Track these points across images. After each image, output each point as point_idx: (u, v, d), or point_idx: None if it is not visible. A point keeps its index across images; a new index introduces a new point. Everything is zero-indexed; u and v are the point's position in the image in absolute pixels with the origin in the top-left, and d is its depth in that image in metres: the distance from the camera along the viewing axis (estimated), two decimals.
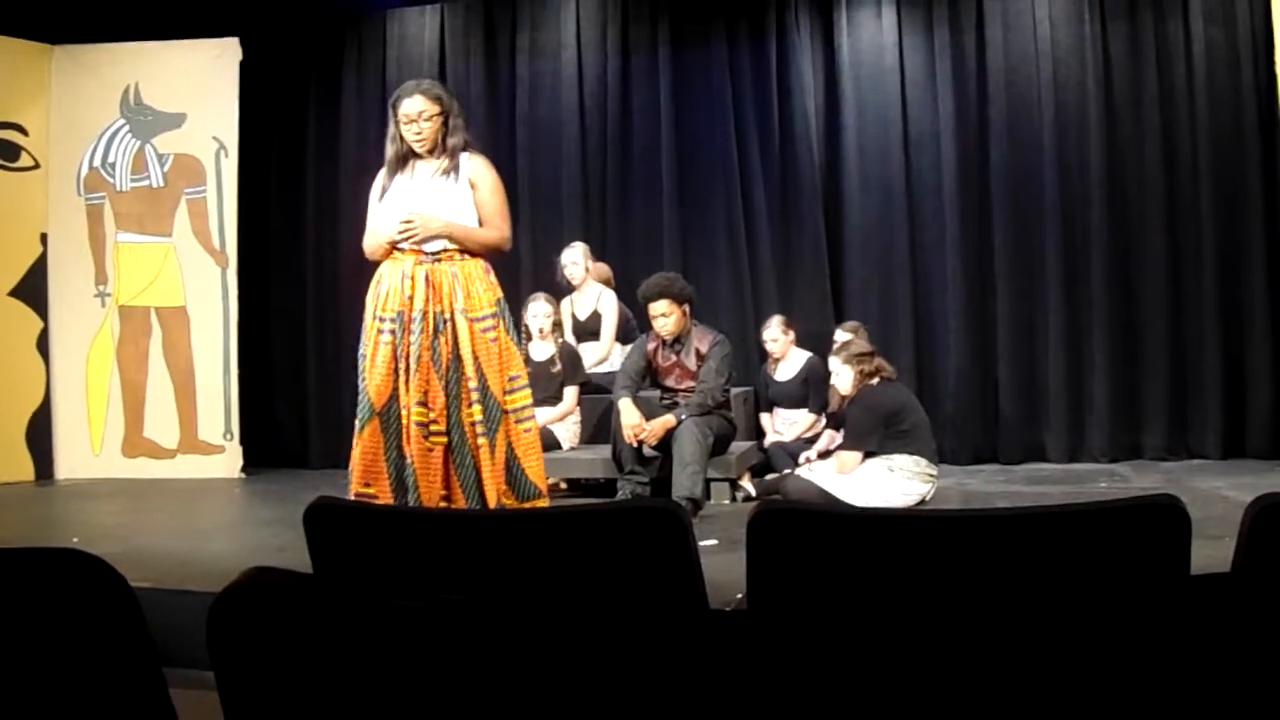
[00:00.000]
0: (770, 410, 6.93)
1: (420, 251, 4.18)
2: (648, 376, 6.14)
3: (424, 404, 4.11)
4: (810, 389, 6.70)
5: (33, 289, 7.64)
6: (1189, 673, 1.14)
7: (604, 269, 7.32)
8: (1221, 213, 6.99)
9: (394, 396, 4.15)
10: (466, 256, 4.22)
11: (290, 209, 8.32)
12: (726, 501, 5.95)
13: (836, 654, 1.17)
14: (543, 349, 6.55)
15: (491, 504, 4.09)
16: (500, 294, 4.31)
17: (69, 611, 1.33)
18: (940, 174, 7.40)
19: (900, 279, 7.43)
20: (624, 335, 7.03)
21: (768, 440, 6.77)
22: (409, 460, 4.12)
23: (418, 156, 4.29)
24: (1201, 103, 7.02)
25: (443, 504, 4.10)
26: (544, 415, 6.16)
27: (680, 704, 1.15)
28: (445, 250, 4.19)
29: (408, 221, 4.13)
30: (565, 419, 6.52)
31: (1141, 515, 1.68)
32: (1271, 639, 1.12)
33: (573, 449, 6.50)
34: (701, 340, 5.99)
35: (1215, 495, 5.68)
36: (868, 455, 5.52)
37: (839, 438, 6.06)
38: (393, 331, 4.16)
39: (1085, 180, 7.19)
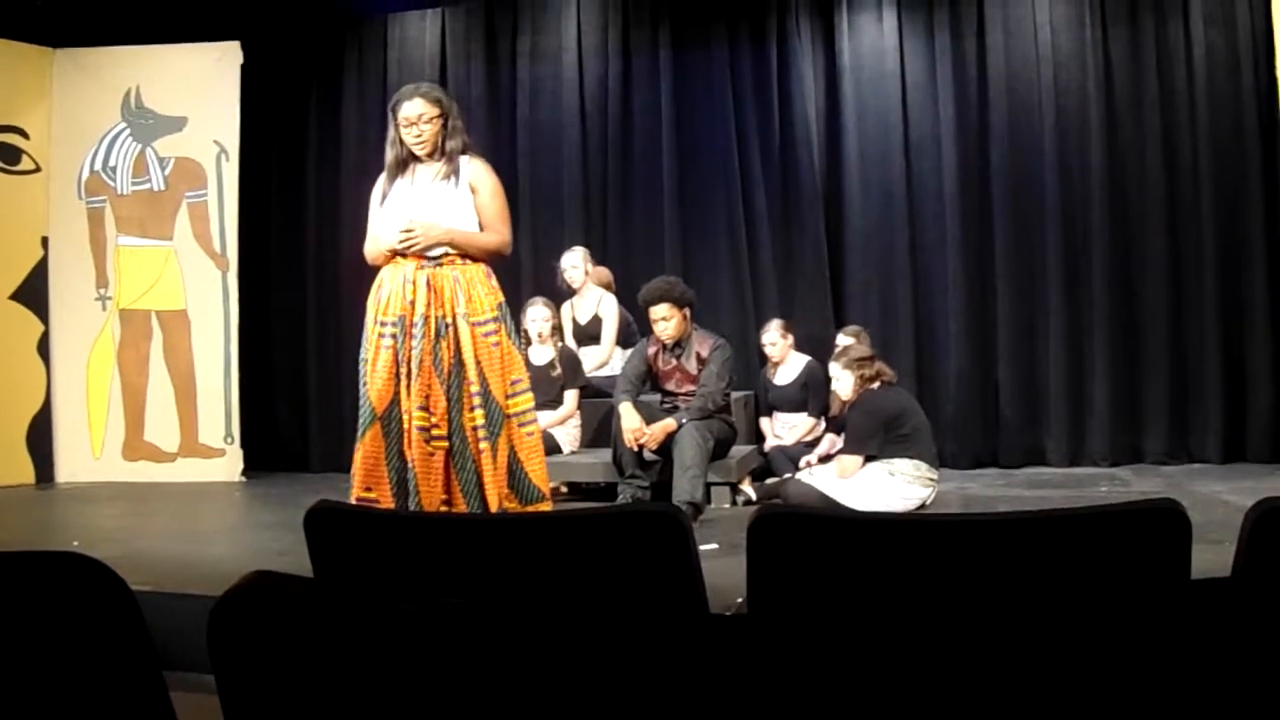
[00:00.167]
0: (770, 414, 6.93)
1: (422, 256, 4.18)
2: (648, 380, 6.14)
3: (425, 408, 4.11)
4: (810, 393, 6.70)
5: (33, 292, 7.64)
6: (1190, 677, 1.14)
7: (604, 273, 7.32)
8: (1222, 216, 6.99)
9: (395, 401, 4.16)
10: (468, 261, 4.22)
11: (291, 212, 8.33)
12: (727, 506, 5.94)
13: (837, 659, 1.17)
14: (542, 353, 6.55)
15: (493, 508, 4.09)
16: (501, 298, 4.31)
17: (69, 615, 1.33)
18: (941, 177, 7.40)
19: (901, 282, 7.43)
20: (624, 339, 7.03)
21: (768, 444, 6.77)
22: (410, 465, 4.12)
23: (418, 160, 4.29)
24: (1202, 106, 7.03)
25: (443, 508, 4.10)
26: (544, 419, 6.15)
27: (680, 708, 1.15)
28: (446, 255, 4.19)
29: (409, 230, 4.13)
30: (565, 423, 6.52)
31: (1142, 519, 1.68)
32: (1272, 643, 1.12)
33: (573, 453, 6.50)
34: (702, 344, 5.99)
35: (1216, 499, 5.68)
36: (868, 459, 5.52)
37: (840, 442, 6.05)
38: (394, 336, 4.17)
39: (1086, 183, 7.20)
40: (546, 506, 4.27)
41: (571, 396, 6.53)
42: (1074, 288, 7.20)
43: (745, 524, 1.73)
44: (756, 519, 1.71)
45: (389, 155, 4.33)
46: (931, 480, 5.56)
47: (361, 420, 4.20)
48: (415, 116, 4.22)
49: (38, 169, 7.70)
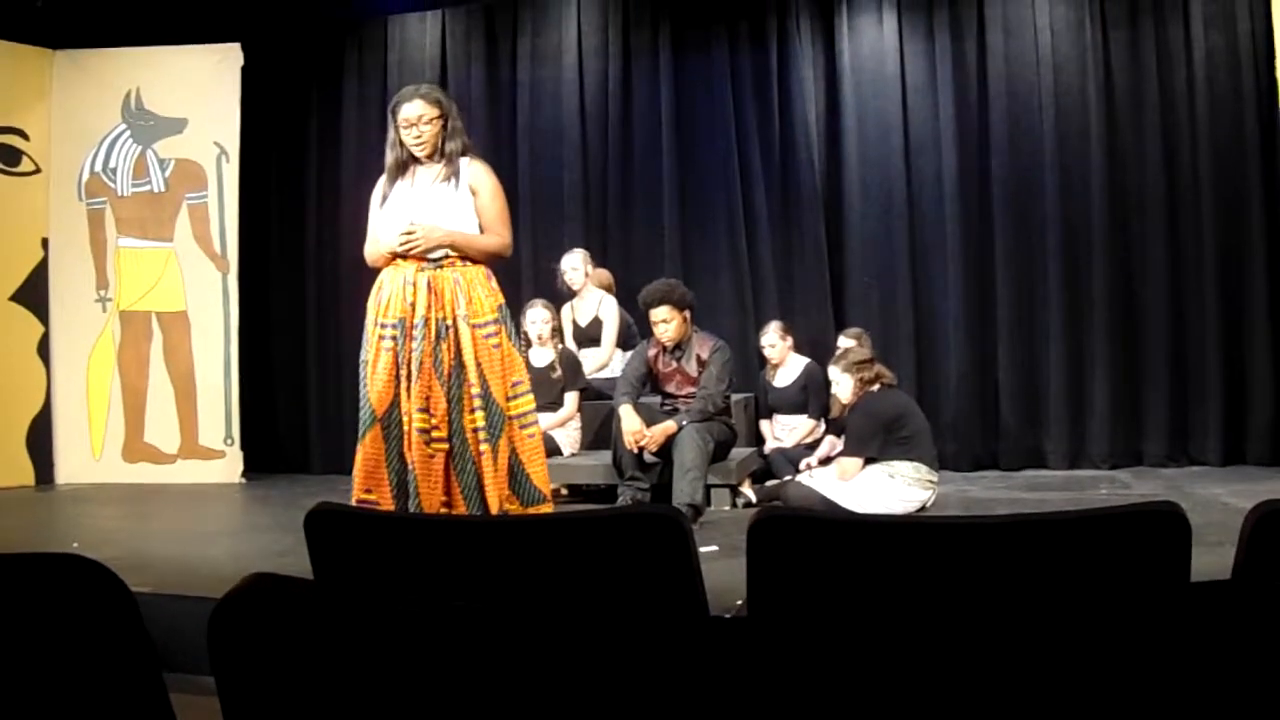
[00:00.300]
0: (770, 417, 6.93)
1: (422, 258, 4.18)
2: (648, 382, 6.14)
3: (425, 410, 4.11)
4: (809, 395, 6.70)
5: (34, 294, 7.64)
6: (1189, 679, 1.14)
7: (604, 275, 7.32)
8: (1222, 218, 6.99)
9: (395, 403, 4.16)
10: (468, 263, 4.22)
11: (291, 214, 8.33)
12: (727, 508, 5.94)
13: (837, 661, 1.17)
14: (542, 355, 6.56)
15: (493, 510, 4.09)
16: (502, 300, 4.31)
17: (70, 617, 1.33)
18: (941, 180, 7.40)
19: (901, 285, 7.43)
20: (625, 341, 7.03)
21: (768, 446, 6.76)
22: (410, 466, 4.12)
23: (418, 162, 4.29)
24: (1202, 108, 7.03)
25: (443, 510, 4.10)
26: (545, 421, 6.15)
27: (680, 710, 1.15)
28: (447, 257, 4.19)
29: (409, 232, 4.13)
30: (566, 425, 6.52)
31: (1142, 522, 1.68)
32: (1272, 646, 1.12)
33: (573, 454, 6.50)
34: (702, 346, 5.99)
35: (1215, 502, 5.67)
36: (868, 462, 5.52)
37: (840, 444, 6.05)
38: (394, 338, 4.17)
39: (1086, 185, 7.19)
40: (547, 508, 4.27)
41: (572, 399, 6.53)
42: (1074, 289, 7.20)
43: (745, 526, 1.73)
44: (756, 521, 1.71)
45: (389, 157, 4.33)
46: (931, 482, 5.56)
47: (362, 422, 4.21)
48: (415, 117, 4.23)
49: (38, 170, 7.70)
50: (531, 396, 4.37)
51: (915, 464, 5.49)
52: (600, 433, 6.53)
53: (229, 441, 7.69)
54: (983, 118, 7.39)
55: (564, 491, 6.35)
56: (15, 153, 7.60)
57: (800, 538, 1.72)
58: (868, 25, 7.58)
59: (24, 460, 7.55)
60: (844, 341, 6.56)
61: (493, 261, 4.33)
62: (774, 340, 6.84)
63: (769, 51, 7.71)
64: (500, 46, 8.16)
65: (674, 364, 6.03)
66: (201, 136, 7.75)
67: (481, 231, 4.25)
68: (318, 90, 8.35)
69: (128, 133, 7.79)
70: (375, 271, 4.34)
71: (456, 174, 4.25)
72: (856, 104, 7.56)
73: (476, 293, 4.20)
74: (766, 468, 6.57)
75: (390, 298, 4.20)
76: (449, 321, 4.15)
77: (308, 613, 1.28)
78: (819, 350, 6.86)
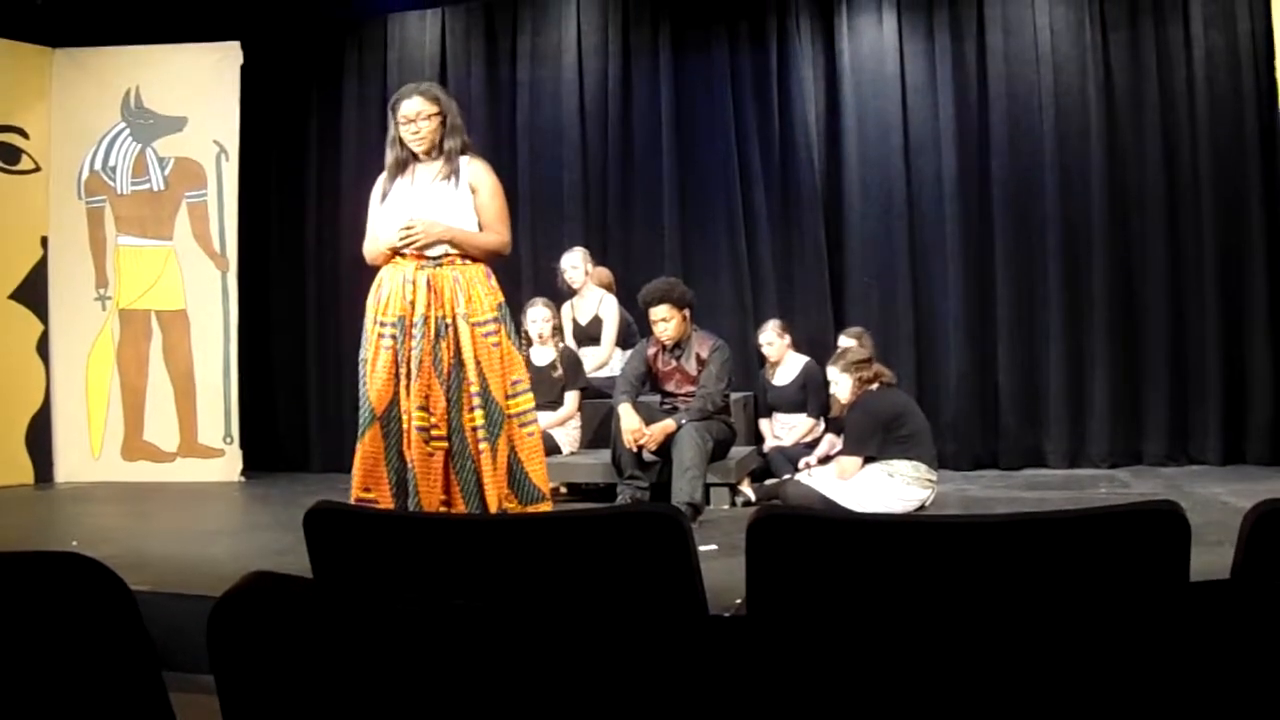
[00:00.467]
0: (769, 415, 6.93)
1: (422, 256, 4.18)
2: (648, 381, 6.14)
3: (425, 409, 4.11)
4: (809, 393, 6.70)
5: (33, 292, 7.64)
6: (1188, 679, 1.14)
7: (605, 273, 7.32)
8: (1222, 217, 7.00)
9: (395, 401, 4.16)
10: (468, 261, 4.22)
11: (291, 213, 8.33)
12: (726, 506, 5.95)
13: (836, 660, 1.17)
14: (543, 354, 6.56)
15: (492, 508, 4.09)
16: (501, 298, 4.31)
17: (69, 615, 1.33)
18: (941, 180, 7.40)
19: (900, 284, 7.43)
20: (625, 340, 7.03)
21: (767, 445, 6.77)
22: (410, 465, 4.12)
23: (417, 160, 4.30)
24: (1202, 108, 7.03)
25: (443, 509, 4.10)
26: (545, 420, 6.16)
27: (679, 709, 1.15)
28: (446, 255, 4.19)
29: (409, 227, 4.13)
30: (566, 424, 6.52)
31: (1141, 521, 1.68)
32: (1271, 645, 1.12)
33: (573, 453, 6.50)
34: (702, 345, 5.99)
35: (1215, 501, 5.68)
36: (868, 460, 5.52)
37: (839, 443, 6.05)
38: (394, 336, 4.17)
39: (1085, 185, 7.20)
40: (546, 507, 4.27)
41: (572, 398, 6.53)
42: (1074, 289, 7.20)
43: (744, 525, 1.73)
44: (756, 520, 1.71)
45: (389, 155, 4.33)
46: (931, 481, 5.56)
47: (361, 420, 4.21)
48: (413, 114, 4.23)
49: (37, 169, 7.70)
50: (531, 395, 4.37)
51: (914, 463, 5.49)
52: (600, 431, 6.53)
53: (228, 440, 7.69)
54: (983, 118, 7.39)
55: (563, 490, 6.35)
56: (15, 151, 7.59)
57: (799, 537, 1.72)
58: (868, 25, 7.58)
59: (23, 459, 7.55)
60: (844, 341, 6.56)
61: (492, 260, 4.33)
62: (771, 338, 6.84)
63: (769, 51, 7.71)
64: (500, 45, 8.16)
65: (673, 363, 6.03)
66: (201, 135, 7.75)
67: (481, 230, 4.25)
68: (317, 89, 8.35)
69: (127, 131, 7.78)
70: (375, 270, 4.34)
71: (456, 172, 4.25)
72: (856, 104, 7.56)
73: (476, 291, 4.20)
74: (766, 466, 6.57)
75: (390, 296, 4.20)
76: (448, 320, 4.15)
77: (307, 611, 1.28)
78: (819, 350, 6.86)
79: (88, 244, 7.74)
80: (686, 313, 5.96)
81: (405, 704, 1.24)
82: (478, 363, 4.15)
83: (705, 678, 1.15)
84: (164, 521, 6.31)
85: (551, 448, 6.07)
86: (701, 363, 5.96)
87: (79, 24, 7.70)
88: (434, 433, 4.12)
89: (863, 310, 7.40)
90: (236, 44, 7.73)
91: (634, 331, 7.03)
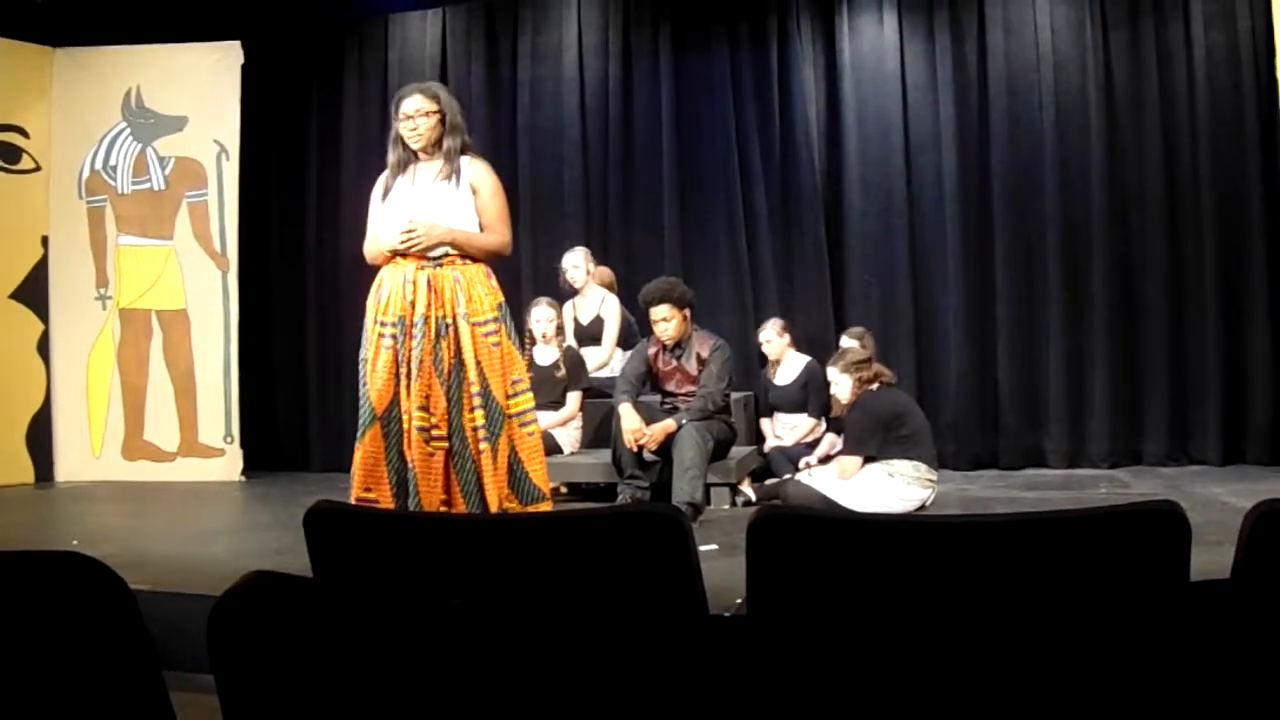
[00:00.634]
0: (770, 415, 6.93)
1: (422, 256, 4.18)
2: (648, 381, 6.14)
3: (425, 409, 4.11)
4: (810, 393, 6.70)
5: (34, 291, 7.65)
6: (1188, 679, 1.14)
7: (606, 273, 7.32)
8: (1222, 217, 6.99)
9: (395, 401, 4.16)
10: (468, 261, 4.22)
11: (291, 213, 8.33)
12: (726, 506, 5.94)
13: (836, 660, 1.17)
14: (547, 354, 6.55)
15: (493, 508, 4.09)
16: (502, 298, 4.31)
17: (69, 614, 1.33)
18: (941, 180, 7.41)
19: (901, 284, 7.43)
20: (626, 340, 7.03)
21: (768, 445, 6.77)
22: (410, 465, 4.12)
23: (418, 159, 4.30)
24: (1202, 106, 7.03)
25: (443, 508, 4.10)
26: (546, 420, 6.16)
27: (679, 709, 1.15)
28: (447, 255, 4.19)
29: (411, 230, 4.13)
30: (567, 424, 6.52)
31: (1141, 521, 1.68)
32: (1271, 646, 1.12)
33: (573, 453, 6.50)
34: (702, 345, 5.99)
35: (1215, 501, 5.67)
36: (868, 460, 5.52)
37: (839, 443, 6.05)
38: (394, 336, 4.17)
39: (1086, 184, 7.20)
40: (546, 507, 4.28)
41: (574, 398, 6.53)
42: (1074, 289, 7.20)
43: (745, 525, 1.73)
44: (756, 520, 1.71)
45: (391, 155, 4.34)
46: (931, 481, 5.56)
47: (361, 420, 4.21)
48: (413, 110, 4.24)
49: (38, 168, 7.70)
50: (531, 395, 4.37)
51: (915, 463, 5.49)
52: (600, 431, 6.53)
53: (229, 439, 7.69)
54: (983, 117, 7.39)
55: (563, 490, 6.35)
56: (15, 150, 7.60)
57: (799, 536, 1.72)
58: (868, 24, 7.58)
59: (24, 458, 7.56)
60: (846, 341, 6.56)
61: (492, 260, 4.33)
62: (770, 336, 6.85)
63: (769, 50, 7.71)
64: (500, 45, 8.16)
65: (674, 362, 6.03)
66: (201, 134, 7.76)
67: (481, 230, 4.25)
68: (318, 89, 8.35)
69: (128, 130, 7.78)
70: (375, 270, 4.34)
71: (457, 172, 4.25)
72: (857, 103, 7.56)
73: (476, 291, 4.20)
74: (766, 466, 6.57)
75: (390, 296, 4.20)
76: (449, 320, 4.15)
77: (307, 611, 1.28)
78: (819, 349, 6.86)
79: (88, 243, 7.75)
80: (687, 312, 5.96)
81: (405, 704, 1.24)
82: (478, 363, 4.15)
83: (705, 678, 1.15)
84: (164, 521, 6.31)
85: (552, 447, 6.08)
86: (702, 362, 5.96)
87: (80, 23, 7.70)
88: (434, 433, 4.12)
89: (863, 309, 7.41)
90: (237, 44, 7.73)
91: (635, 331, 7.02)
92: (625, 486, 5.86)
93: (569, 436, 6.53)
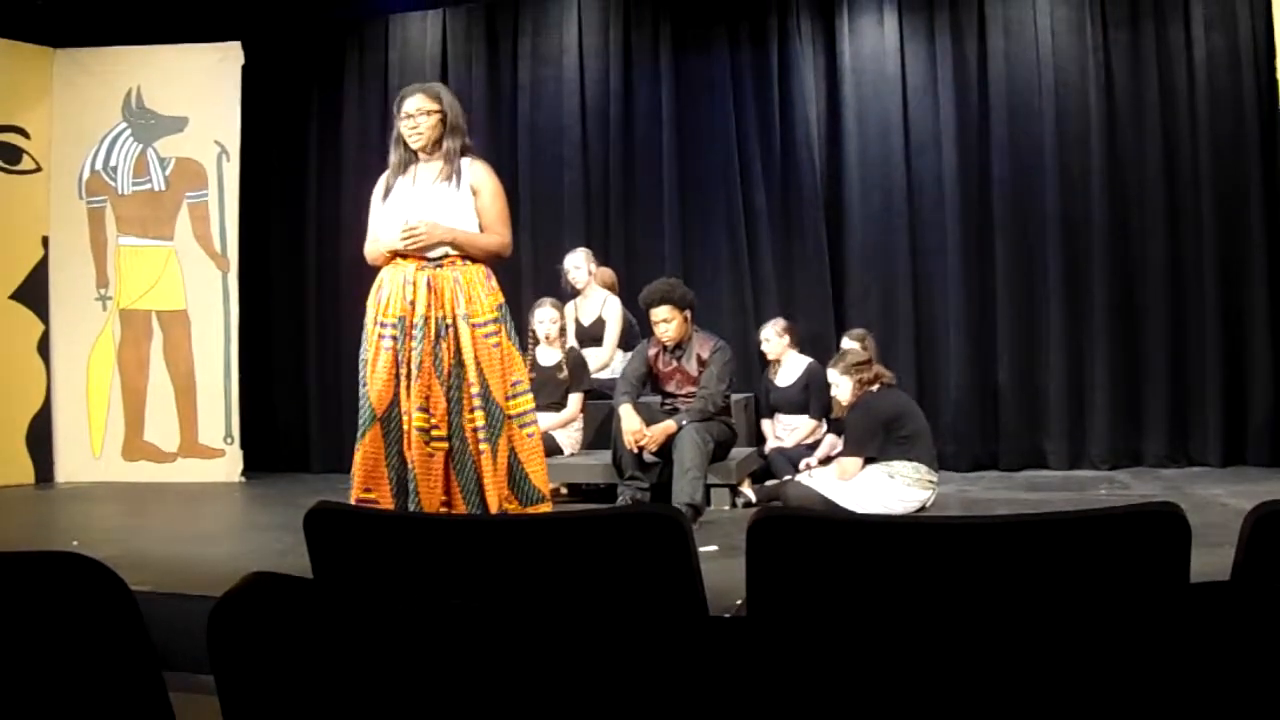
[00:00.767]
0: (771, 416, 6.93)
1: (422, 257, 4.18)
2: (648, 382, 6.14)
3: (425, 409, 4.11)
4: (811, 395, 6.70)
5: (34, 292, 7.65)
6: (1188, 680, 1.14)
7: (608, 274, 7.32)
8: (1222, 219, 6.99)
9: (395, 402, 4.16)
10: (468, 262, 4.22)
11: (292, 213, 8.33)
12: (726, 507, 5.94)
13: (836, 661, 1.17)
14: (549, 355, 6.55)
15: (493, 509, 4.09)
16: (502, 299, 4.31)
17: (69, 615, 1.33)
18: (941, 181, 7.41)
19: (902, 285, 7.44)
20: (627, 342, 7.03)
21: (768, 446, 6.77)
22: (410, 466, 4.12)
23: (419, 160, 4.30)
24: (1202, 108, 7.03)
25: (443, 509, 4.10)
26: (548, 421, 6.16)
27: (679, 710, 1.15)
28: (447, 256, 4.19)
29: (413, 228, 4.13)
30: (568, 425, 6.52)
31: (1142, 522, 1.68)
32: (1271, 647, 1.12)
33: (574, 454, 6.50)
34: (703, 346, 5.99)
35: (1215, 503, 5.67)
36: (868, 461, 5.52)
37: (840, 444, 6.05)
38: (394, 337, 4.17)
39: (1086, 186, 7.20)
40: (546, 508, 4.27)
41: (576, 400, 6.53)
42: (1074, 290, 7.20)
43: (745, 526, 1.73)
44: (756, 521, 1.71)
45: (393, 155, 4.34)
46: (931, 483, 5.56)
47: (361, 421, 4.21)
48: (415, 110, 4.25)
49: (38, 169, 7.70)
50: (531, 396, 4.37)
51: (915, 464, 5.49)
52: (601, 432, 6.53)
53: (229, 440, 7.69)
54: (983, 118, 7.39)
55: (563, 491, 6.35)
56: (16, 151, 7.60)
57: (800, 538, 1.72)
58: (868, 26, 7.58)
59: (24, 458, 7.55)
60: (847, 343, 6.56)
61: (493, 261, 4.33)
62: (769, 335, 6.86)
63: (770, 52, 7.71)
64: (501, 46, 8.16)
65: (674, 363, 6.03)
66: (202, 135, 7.76)
67: (481, 231, 4.26)
68: (318, 89, 8.35)
69: (128, 131, 7.79)
70: (375, 270, 4.34)
71: (457, 173, 4.25)
72: (857, 105, 7.56)
73: (476, 292, 4.20)
74: (766, 467, 6.57)
75: (390, 296, 4.20)
76: (449, 320, 4.15)
77: (307, 612, 1.28)
78: (820, 350, 6.87)
79: (89, 244, 7.75)
80: (687, 313, 5.96)
81: (405, 704, 1.24)
82: (478, 363, 4.15)
83: (705, 679, 1.15)
84: (164, 522, 6.30)
85: (553, 449, 6.07)
86: (702, 363, 5.96)
87: (80, 24, 7.70)
88: (434, 433, 4.12)
89: (863, 311, 7.41)
90: (238, 44, 7.73)
91: (636, 333, 7.02)
92: (625, 488, 5.86)
93: (570, 438, 6.53)
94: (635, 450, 5.79)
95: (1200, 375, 7.04)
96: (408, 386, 4.14)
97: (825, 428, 6.70)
